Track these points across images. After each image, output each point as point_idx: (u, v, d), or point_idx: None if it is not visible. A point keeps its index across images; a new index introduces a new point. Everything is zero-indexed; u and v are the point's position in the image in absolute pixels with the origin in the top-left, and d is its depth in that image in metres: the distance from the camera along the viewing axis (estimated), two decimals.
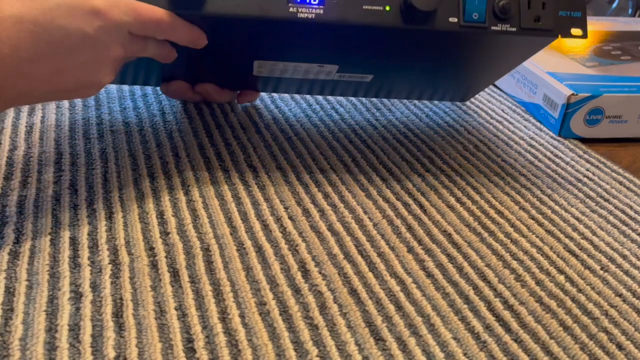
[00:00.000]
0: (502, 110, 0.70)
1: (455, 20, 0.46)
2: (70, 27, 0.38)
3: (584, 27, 0.48)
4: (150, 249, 0.42)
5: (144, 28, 0.42)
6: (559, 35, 0.48)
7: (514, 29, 0.47)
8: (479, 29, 0.47)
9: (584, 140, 0.64)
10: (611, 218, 0.51)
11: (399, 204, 0.50)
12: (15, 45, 0.36)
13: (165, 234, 0.44)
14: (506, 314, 0.40)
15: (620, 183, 0.56)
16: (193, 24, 0.45)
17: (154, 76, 0.59)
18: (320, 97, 0.69)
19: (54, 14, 0.37)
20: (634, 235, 0.49)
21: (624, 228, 0.50)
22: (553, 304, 0.41)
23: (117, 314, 0.37)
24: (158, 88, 0.66)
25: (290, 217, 0.47)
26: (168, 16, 0.43)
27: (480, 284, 0.42)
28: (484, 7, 0.46)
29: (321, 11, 0.45)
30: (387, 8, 0.45)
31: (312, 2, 0.44)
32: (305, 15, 0.44)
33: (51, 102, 0.60)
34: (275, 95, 0.68)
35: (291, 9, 0.44)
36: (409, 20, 0.46)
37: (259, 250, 0.43)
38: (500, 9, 0.46)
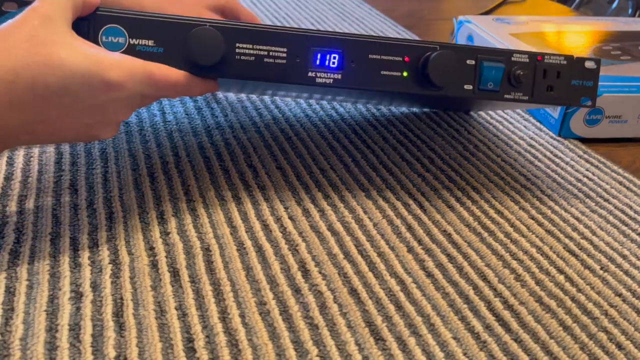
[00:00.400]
0: (502, 111, 0.70)
1: (470, 87, 0.45)
2: (81, 95, 0.37)
3: (593, 97, 0.48)
4: (151, 249, 0.42)
5: (157, 91, 0.41)
6: (569, 104, 0.48)
7: (525, 98, 0.47)
8: (492, 95, 0.46)
9: (583, 140, 0.64)
10: (611, 218, 0.51)
11: (399, 204, 0.50)
12: (25, 109, 0.36)
13: (165, 233, 0.44)
14: (506, 314, 0.40)
15: (620, 183, 0.56)
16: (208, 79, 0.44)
17: None
18: None
19: (68, 82, 0.37)
20: (633, 235, 0.49)
21: (624, 228, 0.50)
22: (553, 303, 0.41)
23: (118, 314, 0.37)
24: None
25: (290, 217, 0.47)
26: (184, 78, 0.42)
27: (480, 283, 0.42)
28: (500, 77, 0.46)
29: (339, 76, 0.44)
30: (405, 74, 0.45)
31: (331, 65, 0.44)
32: (324, 80, 0.44)
33: None
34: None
35: (310, 74, 0.43)
36: (425, 86, 0.45)
37: (259, 250, 0.43)
38: (516, 78, 0.46)
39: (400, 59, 0.44)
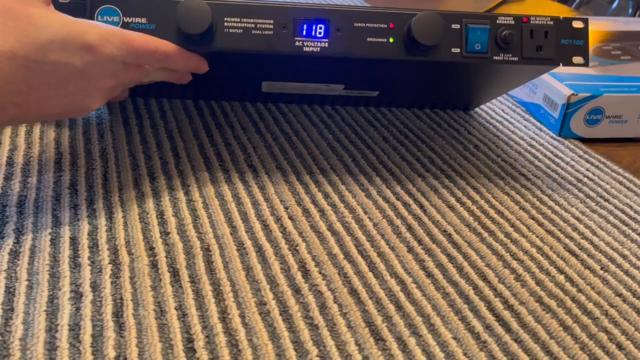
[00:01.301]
0: (502, 110, 0.70)
1: (458, 51, 0.46)
2: (62, 61, 0.38)
3: (585, 55, 0.48)
4: (151, 249, 0.42)
5: (137, 58, 0.43)
6: (561, 64, 0.48)
7: (515, 59, 0.47)
8: (481, 59, 0.47)
9: (584, 140, 0.64)
10: (611, 218, 0.51)
11: (399, 204, 0.50)
12: (8, 79, 0.37)
13: (165, 233, 0.44)
14: (506, 314, 0.40)
15: (620, 183, 0.56)
16: (194, 53, 0.46)
17: (166, 90, 0.60)
18: None
19: (46, 49, 0.38)
20: (634, 235, 0.49)
21: (624, 228, 0.50)
22: (553, 303, 0.41)
23: (117, 314, 0.37)
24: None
25: (290, 217, 0.47)
26: (164, 46, 0.43)
27: (480, 283, 0.42)
28: (486, 38, 0.46)
29: (326, 44, 0.45)
30: (391, 40, 0.46)
31: (318, 35, 0.45)
32: (311, 49, 0.45)
33: None
34: None
35: (297, 43, 0.45)
36: (412, 52, 0.46)
37: (259, 250, 0.43)
38: (503, 39, 0.46)
39: (385, 25, 0.46)
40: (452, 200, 0.51)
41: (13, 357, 0.33)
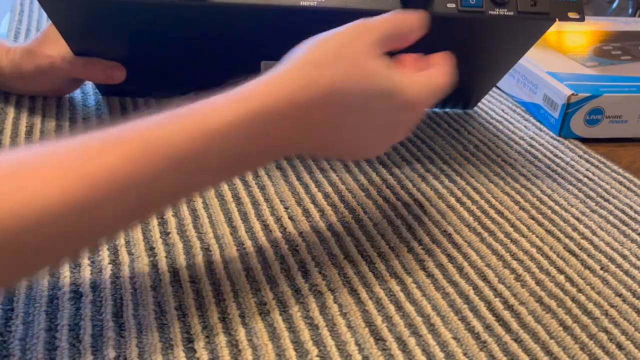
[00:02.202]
0: (502, 110, 0.70)
1: (454, 5, 0.47)
2: (381, 110, 0.38)
3: (580, 11, 0.49)
4: (151, 249, 0.42)
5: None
6: (557, 19, 0.48)
7: (511, 13, 0.48)
8: (476, 13, 0.47)
9: (584, 140, 0.64)
10: (611, 218, 0.51)
11: (399, 204, 0.50)
12: (326, 113, 0.37)
13: (165, 234, 0.44)
14: (506, 314, 0.40)
15: (620, 183, 0.56)
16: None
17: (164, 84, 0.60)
18: None
19: (370, 94, 0.37)
20: (634, 235, 0.49)
21: (624, 228, 0.50)
22: (553, 303, 0.41)
23: (117, 314, 0.37)
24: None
25: (290, 217, 0.47)
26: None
27: (480, 284, 0.42)
28: None
29: None
30: None
31: None
32: (308, 3, 0.45)
33: (53, 101, 0.60)
34: None
35: None
36: (409, 4, 0.47)
37: (259, 250, 0.43)
38: None
39: None
40: (452, 200, 0.51)
41: (13, 358, 0.33)
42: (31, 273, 0.31)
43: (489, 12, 0.48)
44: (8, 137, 0.54)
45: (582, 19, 0.49)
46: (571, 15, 0.49)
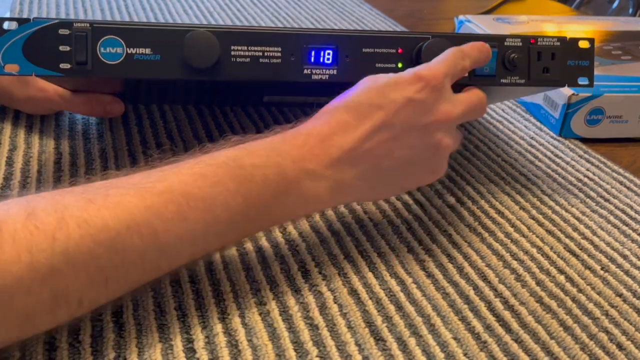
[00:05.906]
0: (502, 110, 0.70)
1: (466, 74, 0.45)
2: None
3: (590, 76, 0.48)
4: None
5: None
6: (566, 85, 0.48)
7: (522, 81, 0.47)
8: (488, 81, 0.47)
9: (584, 140, 0.64)
10: (612, 218, 0.51)
11: (399, 204, 0.50)
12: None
13: None
14: (506, 314, 0.40)
15: (621, 183, 0.56)
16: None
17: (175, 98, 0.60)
18: None
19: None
20: (634, 235, 0.49)
21: (625, 228, 0.50)
22: (553, 304, 0.41)
23: (117, 314, 0.37)
24: None
25: None
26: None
27: (481, 284, 0.42)
28: (494, 62, 0.46)
29: (335, 72, 0.44)
30: (400, 65, 0.45)
31: (326, 61, 0.44)
32: (320, 77, 0.44)
33: None
34: None
35: (305, 71, 0.44)
36: None
37: (259, 250, 0.43)
38: (510, 62, 0.46)
39: (394, 50, 0.45)
40: (452, 200, 0.51)
41: (13, 358, 0.33)
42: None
43: (501, 80, 0.47)
44: (7, 137, 0.54)
45: (591, 85, 0.49)
46: (581, 82, 0.48)
